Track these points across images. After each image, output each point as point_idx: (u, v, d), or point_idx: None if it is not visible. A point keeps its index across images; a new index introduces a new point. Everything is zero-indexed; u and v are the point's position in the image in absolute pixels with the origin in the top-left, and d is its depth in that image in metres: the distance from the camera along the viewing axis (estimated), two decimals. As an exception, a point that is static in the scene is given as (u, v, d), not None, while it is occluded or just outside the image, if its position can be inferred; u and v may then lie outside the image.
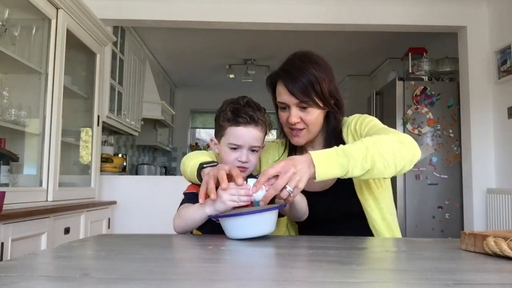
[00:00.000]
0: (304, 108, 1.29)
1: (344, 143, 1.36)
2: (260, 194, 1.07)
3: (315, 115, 1.31)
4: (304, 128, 1.32)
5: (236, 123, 1.20)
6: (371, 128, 1.32)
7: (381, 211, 1.33)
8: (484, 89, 3.63)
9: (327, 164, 1.10)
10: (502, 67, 3.42)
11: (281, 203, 1.12)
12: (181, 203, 1.25)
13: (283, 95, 1.30)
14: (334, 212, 1.35)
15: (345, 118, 1.44)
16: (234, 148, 1.22)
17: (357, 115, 1.42)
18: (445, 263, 0.86)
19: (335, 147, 1.16)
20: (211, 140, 1.32)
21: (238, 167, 1.20)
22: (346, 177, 1.14)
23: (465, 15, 3.70)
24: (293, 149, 1.45)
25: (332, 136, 1.38)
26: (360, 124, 1.37)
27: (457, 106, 3.87)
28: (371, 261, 0.89)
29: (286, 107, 1.31)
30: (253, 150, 1.23)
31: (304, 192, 1.25)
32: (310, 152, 1.11)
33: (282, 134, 1.43)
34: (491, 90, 3.61)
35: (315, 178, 1.10)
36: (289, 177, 1.05)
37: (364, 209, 1.33)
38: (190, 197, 1.24)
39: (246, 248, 0.96)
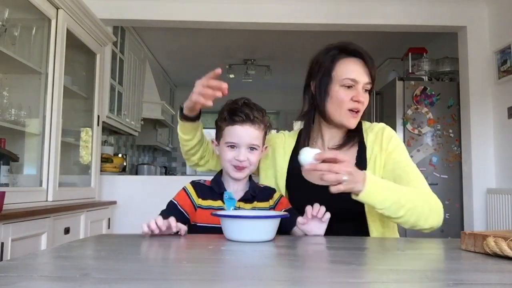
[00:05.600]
0: (366, 90, 1.34)
1: (363, 145, 1.39)
2: (309, 156, 1.10)
3: (368, 99, 1.36)
4: (359, 111, 1.35)
5: (232, 122, 1.22)
6: (401, 161, 1.34)
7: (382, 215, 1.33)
8: (484, 89, 3.63)
9: (375, 193, 1.14)
10: (502, 67, 3.42)
11: (286, 212, 1.13)
12: (162, 212, 1.23)
13: (356, 72, 1.32)
14: (334, 208, 1.34)
15: (368, 122, 1.46)
16: (232, 147, 1.22)
17: (387, 128, 1.42)
18: (445, 263, 0.86)
19: (387, 181, 1.20)
20: (212, 141, 1.33)
21: (236, 166, 1.21)
22: (377, 210, 1.17)
23: (465, 15, 3.70)
24: (304, 143, 1.42)
25: (352, 131, 1.39)
26: (393, 147, 1.37)
27: (457, 106, 3.87)
28: (371, 261, 0.89)
29: (352, 85, 1.32)
30: (252, 149, 1.23)
31: (306, 183, 1.31)
32: (366, 173, 1.14)
33: (319, 115, 1.39)
34: (491, 90, 3.61)
35: (356, 195, 1.13)
36: (348, 171, 1.09)
37: (365, 209, 1.32)
38: (171, 209, 1.22)
39: (246, 248, 0.96)
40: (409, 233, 3.68)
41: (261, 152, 1.29)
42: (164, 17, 3.64)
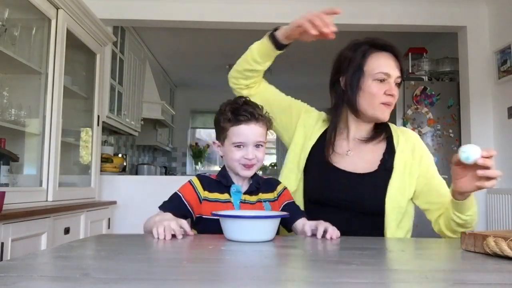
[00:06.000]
0: (396, 84, 1.36)
1: (392, 144, 1.40)
2: (477, 152, 1.13)
3: (398, 93, 1.37)
4: (391, 104, 1.36)
5: (237, 121, 1.21)
6: (435, 177, 1.40)
7: (399, 221, 1.35)
8: (484, 89, 3.63)
9: (473, 198, 1.24)
10: (502, 67, 3.42)
11: (286, 213, 1.15)
12: (164, 203, 1.24)
13: (389, 66, 1.34)
14: (350, 202, 1.33)
15: (396, 126, 1.47)
16: (239, 147, 1.22)
17: (419, 139, 1.45)
18: (445, 263, 0.86)
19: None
20: (214, 143, 1.32)
21: (245, 164, 1.22)
22: (465, 215, 1.24)
23: (465, 15, 3.69)
24: (333, 130, 1.42)
25: (378, 126, 1.41)
26: (428, 162, 1.41)
27: (457, 106, 3.86)
28: (371, 261, 0.89)
29: (385, 79, 1.33)
30: (258, 146, 1.24)
31: (324, 171, 1.33)
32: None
33: (350, 109, 1.39)
34: (491, 90, 3.60)
35: (459, 200, 1.21)
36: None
37: (386, 206, 1.32)
38: (175, 201, 1.23)
39: (246, 248, 0.96)
40: (409, 233, 3.68)
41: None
42: (164, 17, 3.64)
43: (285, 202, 1.28)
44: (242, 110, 1.21)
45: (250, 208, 1.23)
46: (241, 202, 1.24)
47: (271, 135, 1.51)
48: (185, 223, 1.11)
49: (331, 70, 1.45)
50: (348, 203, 1.33)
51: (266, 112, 1.27)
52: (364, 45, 1.38)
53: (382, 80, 1.33)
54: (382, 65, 1.34)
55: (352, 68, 1.37)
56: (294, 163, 1.43)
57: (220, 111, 1.26)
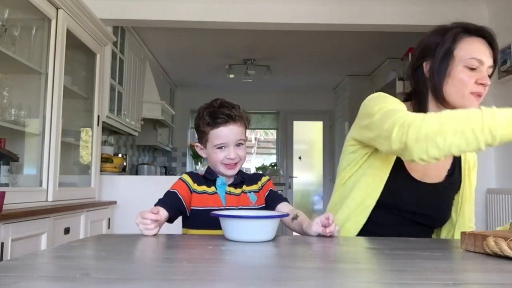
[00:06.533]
0: (488, 74, 1.25)
1: (459, 158, 1.37)
2: None
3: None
4: (482, 95, 1.24)
5: (216, 124, 1.26)
6: (473, 199, 1.40)
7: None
8: (484, 89, 3.63)
9: None
10: (502, 67, 3.42)
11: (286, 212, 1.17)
12: (159, 200, 1.25)
13: (482, 52, 1.23)
14: (422, 215, 1.31)
15: None
16: (221, 148, 1.28)
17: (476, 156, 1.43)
18: (445, 263, 0.86)
19: None
20: (197, 145, 1.37)
21: (227, 164, 1.28)
22: None
23: (465, 15, 3.67)
24: None
25: None
26: (475, 181, 1.40)
27: (457, 106, 3.86)
28: (371, 261, 0.89)
29: (476, 67, 1.21)
30: (238, 145, 1.29)
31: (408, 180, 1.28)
32: None
33: (435, 97, 1.26)
34: (491, 90, 3.56)
35: None
36: None
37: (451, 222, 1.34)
38: (171, 197, 1.25)
39: (246, 248, 0.96)
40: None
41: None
42: (164, 17, 3.64)
43: (269, 189, 1.34)
44: (219, 113, 1.26)
45: (235, 199, 1.28)
46: (226, 193, 1.29)
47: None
48: (150, 215, 1.11)
49: (413, 56, 1.32)
50: (411, 211, 1.30)
51: (243, 110, 1.32)
52: (455, 29, 1.25)
53: (473, 69, 1.21)
54: (475, 50, 1.22)
55: (440, 52, 1.23)
56: (378, 169, 1.29)
57: (199, 115, 1.30)
